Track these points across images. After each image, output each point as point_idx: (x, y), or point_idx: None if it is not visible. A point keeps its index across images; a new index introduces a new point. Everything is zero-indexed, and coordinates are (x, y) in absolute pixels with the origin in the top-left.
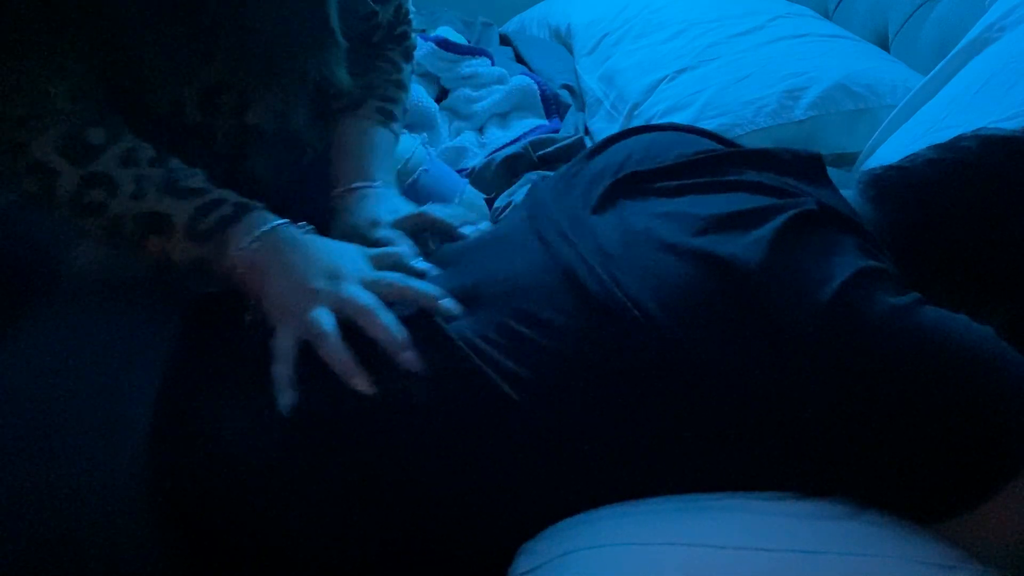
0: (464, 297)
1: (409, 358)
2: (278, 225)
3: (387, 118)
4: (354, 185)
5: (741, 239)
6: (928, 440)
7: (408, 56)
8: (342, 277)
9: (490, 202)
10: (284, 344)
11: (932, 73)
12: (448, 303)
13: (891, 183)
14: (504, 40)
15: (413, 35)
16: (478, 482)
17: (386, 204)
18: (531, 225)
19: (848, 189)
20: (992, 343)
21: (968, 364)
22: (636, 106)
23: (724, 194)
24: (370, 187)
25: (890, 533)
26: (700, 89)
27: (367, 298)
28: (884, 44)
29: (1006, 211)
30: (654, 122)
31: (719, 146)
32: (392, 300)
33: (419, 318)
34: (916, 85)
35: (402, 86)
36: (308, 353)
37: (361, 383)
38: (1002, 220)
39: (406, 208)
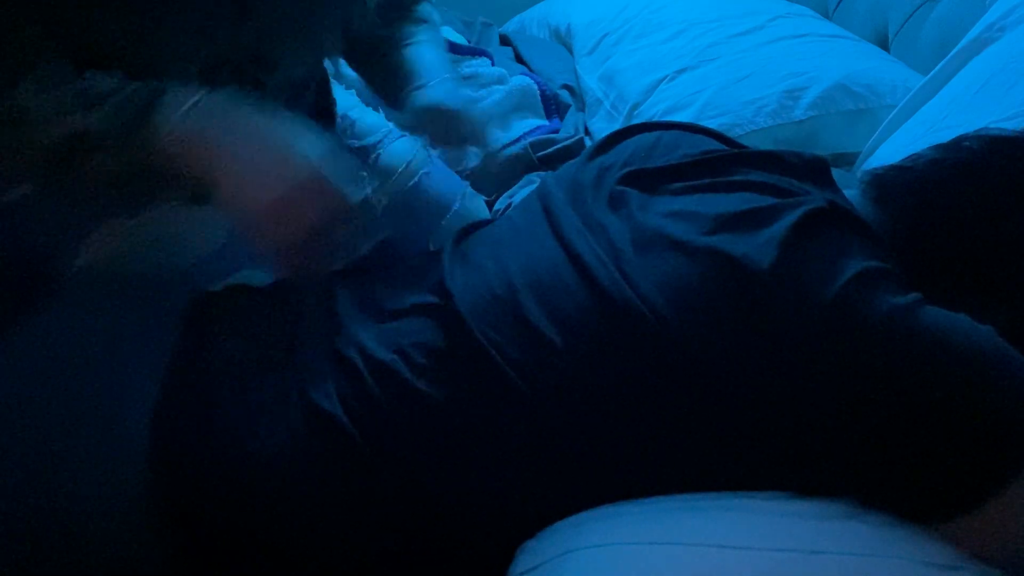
0: (479, 289)
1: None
2: (211, 92)
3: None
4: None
5: (752, 238)
6: (929, 440)
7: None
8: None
9: (490, 204)
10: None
11: (932, 73)
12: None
13: (893, 183)
14: (504, 40)
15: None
16: (480, 479)
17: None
18: (547, 220)
19: (850, 189)
20: (993, 343)
21: (969, 364)
22: (636, 106)
23: (733, 193)
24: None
25: (891, 533)
26: (700, 89)
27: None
28: (884, 44)
29: (1008, 212)
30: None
31: (723, 146)
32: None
33: (435, 309)
34: (916, 85)
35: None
36: (309, 353)
37: None
38: (1004, 221)
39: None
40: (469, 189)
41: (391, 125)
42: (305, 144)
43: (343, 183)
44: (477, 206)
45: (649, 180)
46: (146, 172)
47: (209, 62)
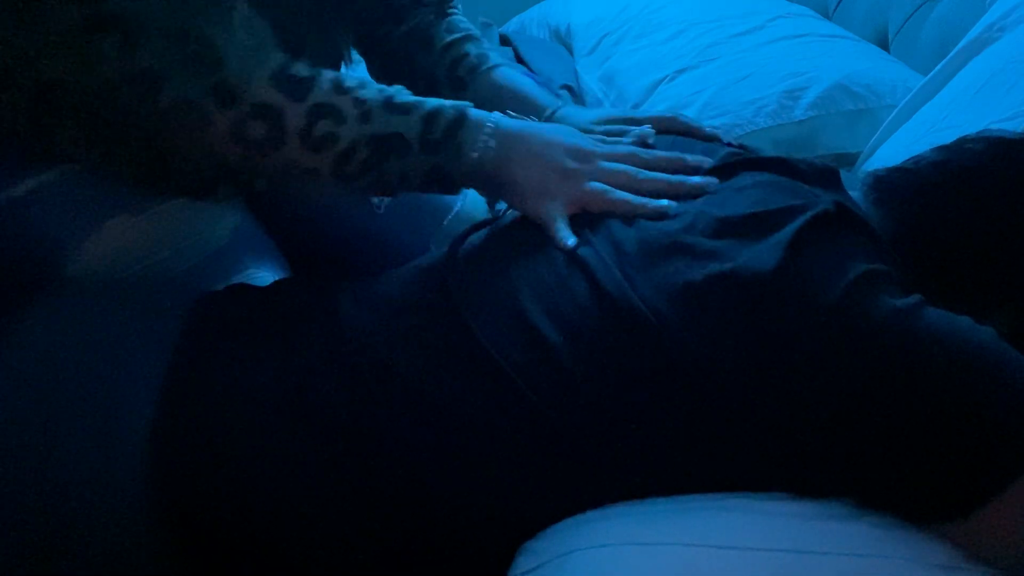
0: (480, 291)
1: (698, 182)
2: (498, 118)
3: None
4: (550, 109)
5: (758, 243)
6: (930, 441)
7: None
8: (589, 155)
9: (491, 203)
10: (554, 214)
11: (932, 73)
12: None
13: (895, 185)
14: (504, 40)
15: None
16: (481, 479)
17: (587, 113)
18: None
19: (852, 191)
20: (994, 345)
21: (970, 366)
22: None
23: (740, 196)
24: (559, 107)
25: (891, 534)
26: (700, 89)
27: (619, 165)
28: (884, 44)
29: (1010, 214)
30: None
31: (728, 147)
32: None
33: (436, 310)
34: (916, 85)
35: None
36: (308, 353)
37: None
38: (1005, 223)
39: (608, 112)
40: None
41: None
42: None
43: None
44: (479, 208)
45: None
46: (434, 175)
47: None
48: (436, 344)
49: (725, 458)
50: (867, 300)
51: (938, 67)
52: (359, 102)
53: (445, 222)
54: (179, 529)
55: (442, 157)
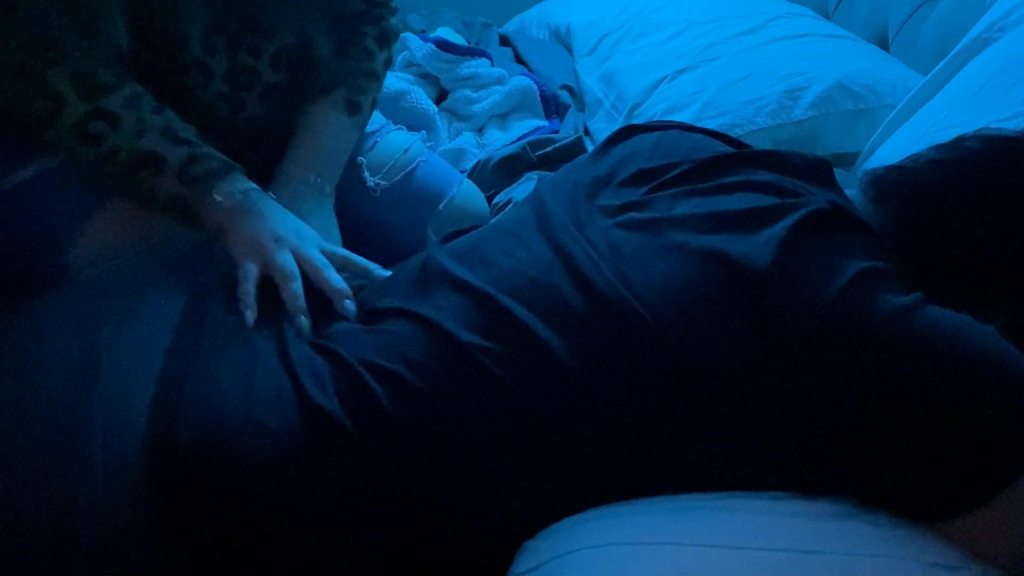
0: (471, 291)
1: (349, 307)
2: (258, 189)
3: (353, 111)
4: (294, 176)
5: (751, 239)
6: (930, 440)
7: (384, 41)
8: (305, 239)
9: (489, 198)
10: (249, 271)
11: (932, 73)
12: (351, 304)
13: (893, 183)
14: (504, 40)
15: (392, 20)
16: (480, 479)
17: (319, 219)
18: (537, 223)
19: (850, 189)
20: (995, 343)
21: (970, 364)
22: (636, 106)
23: (734, 194)
24: (305, 186)
25: (891, 533)
26: (700, 89)
27: (322, 259)
28: (884, 44)
29: (1008, 211)
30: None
31: (726, 146)
32: (339, 267)
33: (421, 317)
34: (916, 85)
35: (375, 76)
36: (303, 349)
37: (307, 321)
38: (1004, 220)
39: (331, 239)
40: (467, 181)
41: (387, 120)
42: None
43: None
44: (476, 198)
45: (649, 181)
46: (177, 202)
47: (209, 26)
48: (425, 346)
49: (724, 456)
50: (866, 298)
51: (938, 67)
52: (141, 120)
53: (440, 207)
54: (179, 529)
55: (189, 190)
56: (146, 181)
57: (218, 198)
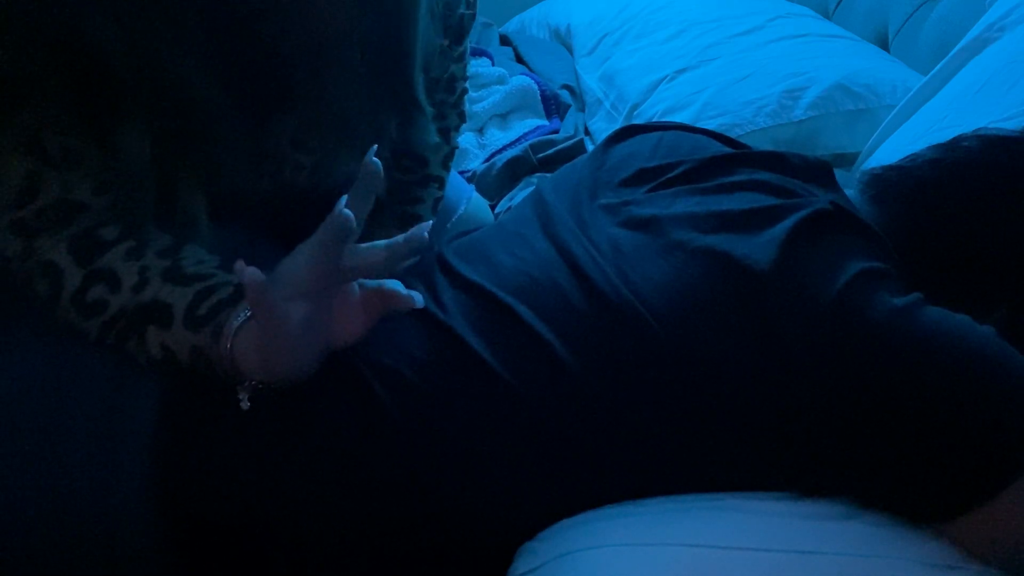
0: (473, 291)
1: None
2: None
3: (407, 225)
4: None
5: (753, 239)
6: (930, 440)
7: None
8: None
9: (491, 207)
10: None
11: (932, 73)
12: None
13: (891, 183)
14: (504, 40)
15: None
16: (479, 480)
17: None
18: (539, 222)
19: (849, 189)
20: (993, 343)
21: (969, 364)
22: (636, 106)
23: (735, 193)
24: None
25: (890, 533)
26: (700, 89)
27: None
28: (884, 44)
29: (1006, 211)
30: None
31: (726, 146)
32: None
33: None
34: (916, 85)
35: (434, 179)
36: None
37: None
38: (1002, 220)
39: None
40: (475, 193)
41: None
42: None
43: None
44: (482, 210)
45: (650, 181)
46: (195, 355)
47: (253, 154)
48: (429, 348)
49: (724, 456)
50: (865, 298)
51: (938, 67)
52: (143, 268)
53: (449, 224)
54: (178, 530)
55: (201, 336)
56: (156, 338)
57: (228, 333)
